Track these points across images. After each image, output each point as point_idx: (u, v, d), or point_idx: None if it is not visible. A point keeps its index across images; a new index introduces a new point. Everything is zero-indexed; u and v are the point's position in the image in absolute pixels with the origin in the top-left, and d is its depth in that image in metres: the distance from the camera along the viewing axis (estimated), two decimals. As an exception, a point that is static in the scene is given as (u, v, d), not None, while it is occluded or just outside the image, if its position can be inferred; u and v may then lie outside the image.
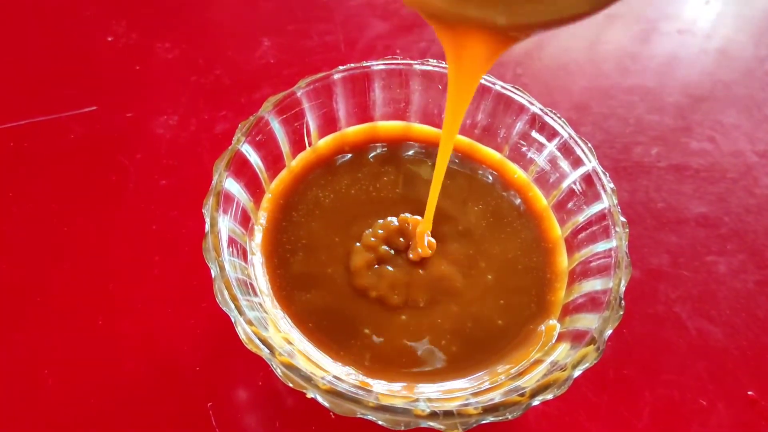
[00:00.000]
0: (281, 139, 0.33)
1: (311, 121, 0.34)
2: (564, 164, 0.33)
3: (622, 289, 0.28)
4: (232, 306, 0.26)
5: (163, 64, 0.47)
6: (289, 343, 0.27)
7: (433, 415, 0.24)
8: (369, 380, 0.28)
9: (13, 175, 0.40)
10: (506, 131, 0.35)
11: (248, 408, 0.32)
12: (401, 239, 0.32)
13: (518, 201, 0.34)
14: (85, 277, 0.36)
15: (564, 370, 0.25)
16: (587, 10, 0.20)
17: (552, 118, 0.33)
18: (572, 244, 0.32)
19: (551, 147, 0.34)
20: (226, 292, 0.26)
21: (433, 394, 0.27)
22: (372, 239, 0.31)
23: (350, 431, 0.32)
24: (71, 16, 0.49)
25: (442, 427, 0.24)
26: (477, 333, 0.30)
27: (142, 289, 0.36)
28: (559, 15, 0.20)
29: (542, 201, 0.34)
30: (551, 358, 0.27)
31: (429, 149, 0.36)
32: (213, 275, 0.26)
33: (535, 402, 0.25)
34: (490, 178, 0.35)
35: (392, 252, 0.32)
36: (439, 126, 0.36)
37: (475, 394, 0.26)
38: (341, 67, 0.34)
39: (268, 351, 0.25)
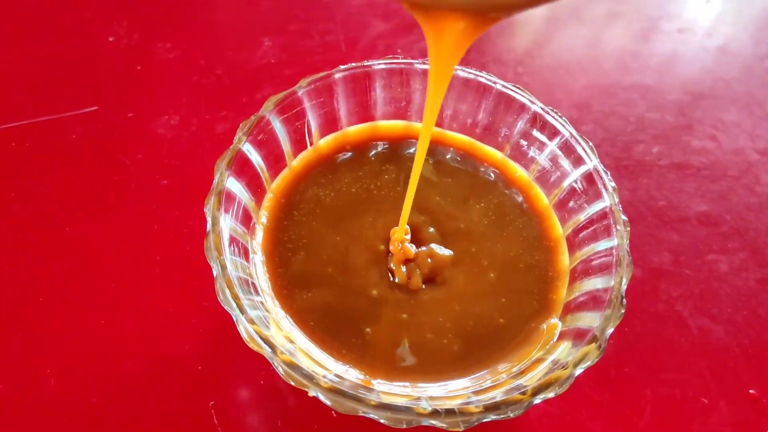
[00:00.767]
0: (282, 139, 0.33)
1: (312, 121, 0.34)
2: (565, 163, 0.33)
3: (624, 287, 0.28)
4: (234, 305, 0.26)
5: (165, 64, 0.47)
6: (291, 341, 0.27)
7: (435, 413, 0.24)
8: (371, 379, 0.28)
9: (14, 175, 0.40)
10: (507, 130, 0.35)
11: (250, 407, 0.32)
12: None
13: (520, 199, 0.35)
14: (86, 276, 0.36)
15: (565, 369, 0.25)
16: None
17: (553, 116, 0.34)
18: (573, 242, 0.32)
19: (552, 146, 0.34)
20: (227, 291, 0.26)
21: (434, 393, 0.27)
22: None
23: (352, 430, 0.32)
24: (73, 16, 0.49)
25: (443, 425, 0.24)
26: (478, 331, 0.30)
27: (143, 288, 0.36)
28: None
29: (543, 200, 0.34)
30: (553, 357, 0.27)
31: (430, 147, 0.36)
32: (214, 274, 0.26)
33: (537, 400, 0.25)
34: (492, 176, 0.35)
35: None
36: (440, 125, 0.36)
37: (477, 393, 0.26)
38: (342, 67, 0.34)
39: (270, 350, 0.25)
